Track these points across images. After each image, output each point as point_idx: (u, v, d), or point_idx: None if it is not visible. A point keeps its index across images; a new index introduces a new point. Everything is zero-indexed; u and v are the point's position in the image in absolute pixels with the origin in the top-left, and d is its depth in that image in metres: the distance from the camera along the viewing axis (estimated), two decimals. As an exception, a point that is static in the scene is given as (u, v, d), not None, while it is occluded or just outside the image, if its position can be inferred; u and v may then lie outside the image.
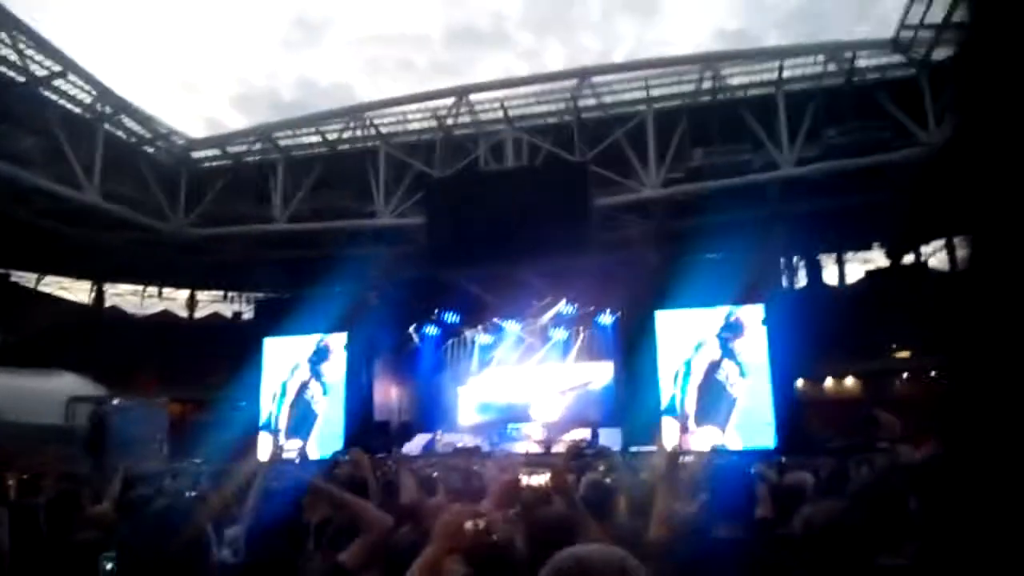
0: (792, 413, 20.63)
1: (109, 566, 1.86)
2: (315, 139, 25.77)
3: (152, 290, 34.91)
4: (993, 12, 0.58)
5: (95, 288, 33.48)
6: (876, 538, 2.74)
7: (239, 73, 79.20)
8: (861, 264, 30.85)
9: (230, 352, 28.37)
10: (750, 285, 20.23)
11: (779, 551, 2.85)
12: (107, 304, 34.26)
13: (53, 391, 14.33)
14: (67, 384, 15.34)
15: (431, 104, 24.50)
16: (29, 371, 16.66)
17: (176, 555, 1.64)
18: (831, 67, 21.88)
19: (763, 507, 3.91)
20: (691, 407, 19.20)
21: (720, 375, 19.07)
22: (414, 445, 21.72)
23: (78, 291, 33.25)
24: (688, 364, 19.76)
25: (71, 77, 21.50)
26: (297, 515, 3.66)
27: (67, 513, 4.19)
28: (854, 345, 26.57)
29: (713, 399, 18.98)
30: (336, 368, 24.19)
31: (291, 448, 21.46)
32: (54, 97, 21.73)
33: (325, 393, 24.18)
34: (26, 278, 31.07)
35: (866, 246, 29.71)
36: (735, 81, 22.64)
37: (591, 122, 23.70)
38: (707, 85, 22.60)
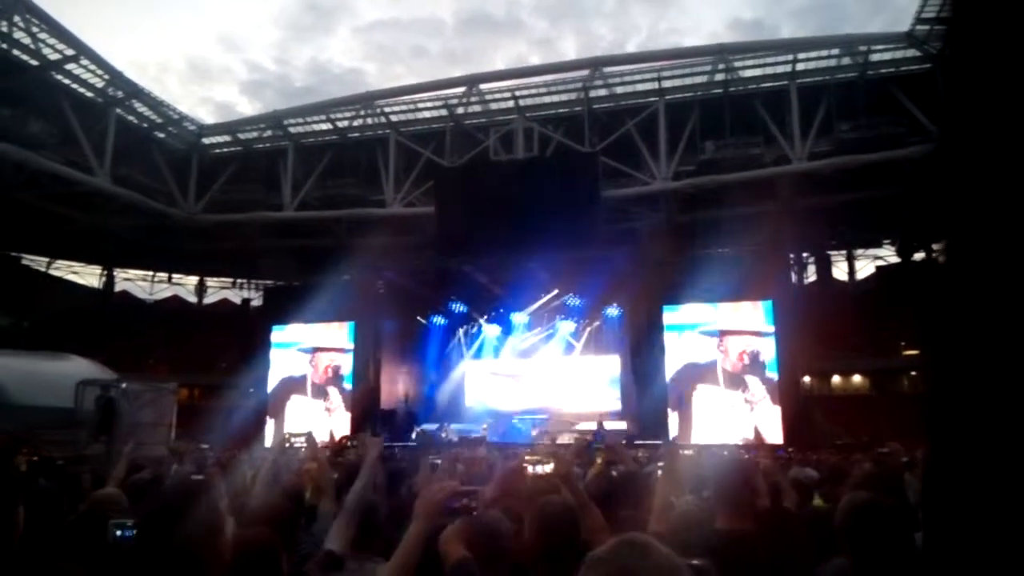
0: (799, 409, 20.63)
1: (118, 533, 1.84)
2: (325, 126, 25.75)
3: (161, 275, 35.14)
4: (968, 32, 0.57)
5: (105, 273, 33.72)
6: None
7: (251, 59, 79.29)
8: (871, 261, 30.65)
9: (239, 338, 28.58)
10: (759, 281, 20.20)
11: (780, 543, 2.84)
12: (117, 289, 34.52)
13: (63, 374, 14.40)
14: (77, 367, 15.43)
15: (442, 93, 24.43)
16: (39, 354, 16.80)
17: (196, 533, 1.63)
18: (845, 60, 21.66)
19: (764, 500, 3.90)
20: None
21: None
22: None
23: (88, 276, 33.55)
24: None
25: (83, 61, 21.52)
26: (296, 500, 3.65)
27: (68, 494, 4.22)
28: (863, 342, 26.43)
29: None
30: (343, 357, 24.31)
31: (299, 434, 21.55)
32: (66, 81, 21.78)
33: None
34: (37, 262, 31.30)
35: (877, 243, 29.50)
36: (748, 73, 22.45)
37: (602, 113, 23.57)
38: (720, 77, 22.41)
